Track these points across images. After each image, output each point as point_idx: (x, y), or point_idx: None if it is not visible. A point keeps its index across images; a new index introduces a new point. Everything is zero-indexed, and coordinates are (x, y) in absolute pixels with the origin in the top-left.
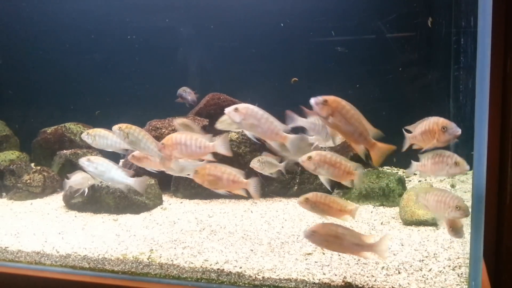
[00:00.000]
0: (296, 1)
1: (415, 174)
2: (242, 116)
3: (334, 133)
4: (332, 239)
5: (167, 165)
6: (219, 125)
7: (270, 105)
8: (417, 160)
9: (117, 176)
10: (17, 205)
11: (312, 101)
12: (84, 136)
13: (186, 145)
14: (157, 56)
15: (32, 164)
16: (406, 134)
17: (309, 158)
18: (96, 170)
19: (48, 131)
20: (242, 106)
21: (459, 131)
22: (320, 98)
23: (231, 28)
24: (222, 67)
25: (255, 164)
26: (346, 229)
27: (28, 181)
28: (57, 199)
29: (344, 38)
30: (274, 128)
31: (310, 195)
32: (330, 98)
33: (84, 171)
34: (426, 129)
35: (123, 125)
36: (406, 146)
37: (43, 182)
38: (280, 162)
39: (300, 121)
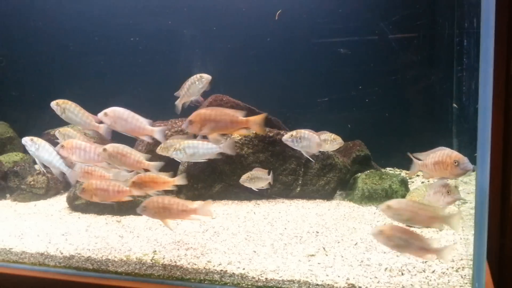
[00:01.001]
0: (299, 2)
1: (418, 175)
2: (112, 119)
3: (215, 136)
4: (162, 210)
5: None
6: (160, 151)
7: (275, 107)
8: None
9: (55, 161)
10: (21, 206)
11: (183, 127)
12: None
13: (85, 150)
14: (161, 57)
15: (36, 166)
16: (415, 160)
17: (104, 150)
18: (37, 151)
19: (51, 133)
20: (110, 110)
21: (471, 167)
22: (186, 122)
23: (234, 30)
24: (225, 69)
25: (244, 181)
26: (172, 199)
27: (32, 182)
28: (60, 200)
29: (347, 39)
30: (141, 124)
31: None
32: (193, 116)
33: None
34: (438, 160)
35: (60, 101)
36: (415, 172)
37: (46, 183)
38: (268, 174)
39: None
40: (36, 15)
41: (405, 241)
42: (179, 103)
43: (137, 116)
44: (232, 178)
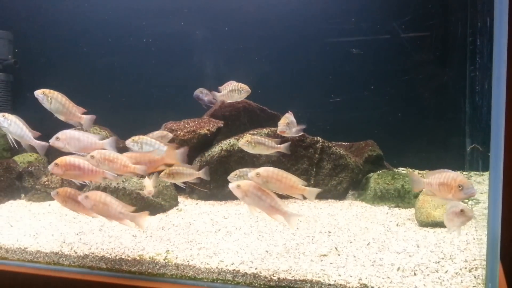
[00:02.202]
0: (310, 3)
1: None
2: (65, 141)
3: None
4: (102, 205)
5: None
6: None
7: (284, 106)
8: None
9: (26, 136)
10: (36, 206)
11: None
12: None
13: (80, 168)
14: (173, 58)
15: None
16: (418, 177)
17: (92, 156)
18: (9, 126)
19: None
20: (60, 133)
21: (474, 192)
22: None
23: (246, 30)
24: (237, 69)
25: (232, 178)
26: (114, 199)
27: (46, 182)
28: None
29: (359, 39)
30: (92, 140)
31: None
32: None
33: None
34: (443, 181)
35: (46, 90)
36: (419, 189)
37: (61, 183)
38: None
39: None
40: (51, 19)
41: (258, 197)
42: (219, 98)
43: (86, 134)
44: (245, 178)
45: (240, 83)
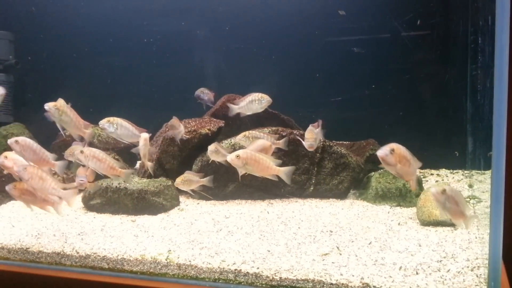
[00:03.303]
0: (310, 2)
1: (432, 174)
2: (22, 147)
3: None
4: (38, 179)
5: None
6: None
7: (288, 107)
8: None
9: None
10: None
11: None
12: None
13: (33, 150)
14: (175, 58)
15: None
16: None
17: (81, 152)
18: None
19: (66, 134)
20: (21, 139)
21: None
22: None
23: (247, 30)
24: (238, 69)
25: (212, 152)
26: (50, 176)
27: None
28: (76, 200)
29: (361, 38)
30: (46, 157)
31: None
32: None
33: None
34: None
35: (57, 104)
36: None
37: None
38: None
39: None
40: (52, 18)
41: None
42: (236, 111)
43: (43, 150)
44: (245, 178)
45: (260, 93)
